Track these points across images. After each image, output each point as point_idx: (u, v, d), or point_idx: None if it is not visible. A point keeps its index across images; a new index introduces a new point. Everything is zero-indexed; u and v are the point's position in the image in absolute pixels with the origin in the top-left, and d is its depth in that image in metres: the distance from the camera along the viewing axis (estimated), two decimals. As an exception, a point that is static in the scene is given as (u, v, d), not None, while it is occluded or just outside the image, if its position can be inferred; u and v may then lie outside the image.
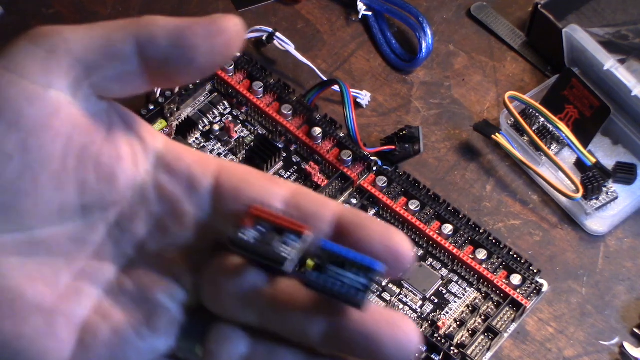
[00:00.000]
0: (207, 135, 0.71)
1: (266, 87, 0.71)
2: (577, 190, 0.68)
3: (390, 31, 0.78)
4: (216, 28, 0.34)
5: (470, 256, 0.66)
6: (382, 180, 0.68)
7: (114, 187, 0.35)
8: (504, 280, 0.65)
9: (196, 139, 0.70)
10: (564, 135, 0.70)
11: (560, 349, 0.65)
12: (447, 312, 0.65)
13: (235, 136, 0.71)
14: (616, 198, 0.71)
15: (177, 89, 0.71)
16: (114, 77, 0.34)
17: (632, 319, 0.67)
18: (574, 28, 0.72)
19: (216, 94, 0.73)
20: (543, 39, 0.77)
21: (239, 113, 0.72)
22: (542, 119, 0.72)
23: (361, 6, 0.79)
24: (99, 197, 0.35)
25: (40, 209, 0.34)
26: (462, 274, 0.66)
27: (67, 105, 0.34)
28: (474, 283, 0.66)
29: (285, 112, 0.70)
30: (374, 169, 0.69)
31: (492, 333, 0.63)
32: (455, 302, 0.65)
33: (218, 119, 0.72)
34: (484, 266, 0.65)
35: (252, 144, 0.70)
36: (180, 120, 0.70)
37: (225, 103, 0.72)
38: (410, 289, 0.66)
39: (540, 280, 0.66)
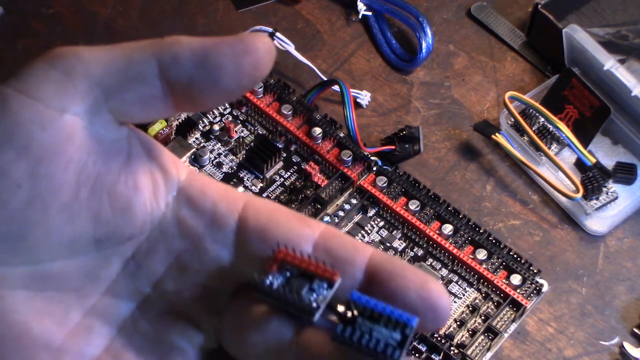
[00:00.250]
0: (207, 135, 0.71)
1: (266, 87, 0.71)
2: (577, 190, 0.68)
3: (390, 31, 0.78)
4: (244, 47, 0.32)
5: (470, 256, 0.66)
6: (382, 180, 0.68)
7: (130, 220, 0.33)
8: (504, 280, 0.65)
9: (196, 139, 0.70)
10: (564, 135, 0.70)
11: (560, 349, 0.65)
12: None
13: (235, 136, 0.71)
14: (616, 198, 0.71)
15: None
16: (135, 101, 0.32)
17: (632, 319, 0.67)
18: (574, 28, 0.72)
19: (216, 94, 0.73)
20: (543, 39, 0.77)
21: (239, 113, 0.72)
22: (542, 119, 0.72)
23: (361, 6, 0.79)
24: (113, 230, 0.33)
25: (50, 240, 0.32)
26: (462, 274, 0.66)
27: (83, 131, 0.31)
28: (474, 283, 0.66)
29: (285, 112, 0.70)
30: (374, 169, 0.69)
31: (492, 333, 0.63)
32: (455, 302, 0.65)
33: (218, 119, 0.72)
34: (484, 266, 0.65)
35: (252, 144, 0.70)
36: (180, 120, 0.70)
37: (226, 103, 0.72)
38: (410, 289, 0.65)
39: (540, 280, 0.66)
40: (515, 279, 0.65)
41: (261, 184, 0.69)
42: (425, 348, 0.63)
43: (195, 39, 0.32)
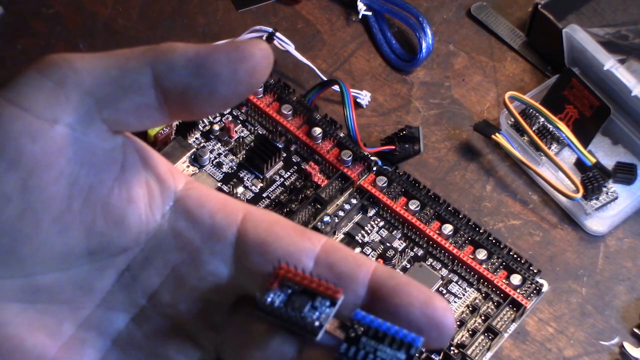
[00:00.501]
0: (207, 135, 0.71)
1: (266, 87, 0.71)
2: (577, 190, 0.68)
3: (390, 31, 0.78)
4: (240, 54, 0.31)
5: (470, 256, 0.66)
6: (382, 180, 0.68)
7: (125, 232, 0.32)
8: (504, 280, 0.65)
9: (196, 139, 0.70)
10: (564, 135, 0.70)
11: (560, 349, 0.65)
12: (453, 312, 0.65)
13: (235, 136, 0.71)
14: (616, 198, 0.71)
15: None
16: (129, 110, 0.31)
17: (632, 319, 0.67)
18: (574, 28, 0.72)
19: (216, 94, 0.73)
20: (543, 39, 0.77)
21: (239, 113, 0.72)
22: (542, 119, 0.72)
23: (361, 6, 0.79)
24: (107, 242, 0.32)
25: (43, 253, 0.31)
26: (462, 274, 0.66)
27: (75, 142, 0.31)
28: (474, 283, 0.66)
29: (285, 112, 0.70)
30: (374, 169, 0.69)
31: (492, 333, 0.63)
32: (455, 302, 0.65)
33: (218, 119, 0.72)
34: (484, 266, 0.65)
35: (252, 144, 0.70)
36: (180, 120, 0.70)
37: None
38: (410, 289, 0.65)
39: (540, 280, 0.66)
40: (515, 279, 0.65)
41: (261, 184, 0.69)
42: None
43: (191, 46, 0.32)
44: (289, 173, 0.70)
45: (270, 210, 0.67)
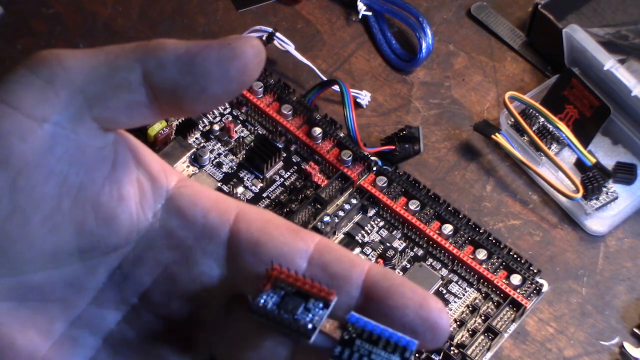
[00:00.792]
0: (207, 135, 0.71)
1: (266, 87, 0.71)
2: (577, 190, 0.68)
3: (390, 31, 0.78)
4: (230, 52, 0.31)
5: (470, 256, 0.66)
6: (382, 180, 0.68)
7: (116, 231, 0.32)
8: (504, 280, 0.65)
9: (196, 139, 0.70)
10: (564, 135, 0.70)
11: (560, 349, 0.65)
12: (447, 312, 0.65)
13: (235, 136, 0.71)
14: (616, 198, 0.71)
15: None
16: (119, 108, 0.31)
17: (632, 319, 0.67)
18: (574, 28, 0.72)
19: (216, 94, 0.72)
20: (543, 39, 0.77)
21: (239, 113, 0.72)
22: (542, 119, 0.72)
23: (361, 6, 0.79)
24: (98, 241, 0.32)
25: (33, 252, 0.31)
26: (462, 274, 0.66)
27: (64, 141, 0.30)
28: (474, 283, 0.66)
29: (285, 112, 0.70)
30: (374, 169, 0.69)
31: (492, 333, 0.63)
32: (455, 302, 0.65)
33: (218, 119, 0.72)
34: (484, 266, 0.65)
35: (252, 144, 0.70)
36: (180, 120, 0.70)
37: (226, 103, 0.72)
38: (410, 289, 0.65)
39: (540, 280, 0.66)
40: (515, 279, 0.65)
41: (261, 184, 0.69)
42: (425, 348, 0.63)
43: (181, 43, 0.31)
44: (289, 173, 0.70)
45: (270, 210, 0.67)
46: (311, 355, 0.31)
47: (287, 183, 0.69)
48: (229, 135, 0.71)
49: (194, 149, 0.69)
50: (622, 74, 0.70)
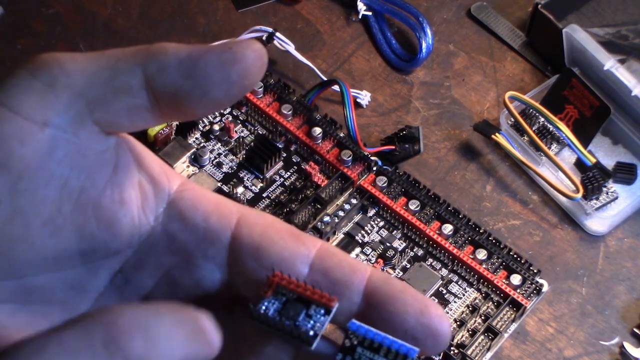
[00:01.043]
0: (207, 135, 0.71)
1: (266, 87, 0.71)
2: (577, 190, 0.68)
3: (390, 31, 0.78)
4: (232, 55, 0.30)
5: (470, 256, 0.66)
6: (382, 180, 0.68)
7: (117, 234, 0.32)
8: (504, 280, 0.65)
9: (196, 139, 0.70)
10: (564, 135, 0.70)
11: (560, 349, 0.65)
12: (447, 312, 0.65)
13: (235, 136, 0.71)
14: (616, 198, 0.71)
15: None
16: (120, 112, 0.31)
17: (632, 319, 0.67)
18: (574, 28, 0.72)
19: (216, 94, 0.72)
20: (543, 39, 0.77)
21: (239, 113, 0.72)
22: (542, 119, 0.72)
23: (361, 6, 0.79)
24: (99, 244, 0.32)
25: (34, 255, 0.31)
26: (462, 274, 0.66)
27: (65, 145, 0.30)
28: (474, 283, 0.66)
29: (285, 112, 0.70)
30: (374, 169, 0.69)
31: (492, 333, 0.63)
32: (455, 302, 0.65)
33: (218, 119, 0.72)
34: (484, 266, 0.65)
35: (252, 144, 0.70)
36: (172, 120, 0.70)
37: (230, 104, 0.72)
38: (410, 289, 0.65)
39: (540, 280, 0.66)
40: (515, 279, 0.65)
41: (261, 184, 0.69)
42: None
43: (183, 47, 0.31)
44: (289, 173, 0.70)
45: (270, 210, 0.67)
46: None
47: (287, 183, 0.69)
48: (229, 135, 0.71)
49: (194, 149, 0.69)
50: (622, 74, 0.70)
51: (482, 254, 0.66)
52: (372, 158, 0.69)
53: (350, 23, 0.80)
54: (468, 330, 0.64)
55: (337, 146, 0.70)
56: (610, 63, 0.70)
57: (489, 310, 0.65)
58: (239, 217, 0.33)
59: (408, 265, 0.66)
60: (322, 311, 0.30)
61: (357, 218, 0.68)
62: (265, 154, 0.69)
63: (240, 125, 0.71)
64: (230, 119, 0.72)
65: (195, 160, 0.69)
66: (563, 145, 0.72)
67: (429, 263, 0.67)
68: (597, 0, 0.79)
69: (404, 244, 0.67)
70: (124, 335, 0.26)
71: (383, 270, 0.66)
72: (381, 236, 0.67)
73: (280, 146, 0.70)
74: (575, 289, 0.68)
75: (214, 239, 0.32)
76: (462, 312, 0.64)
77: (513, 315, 0.64)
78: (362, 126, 0.73)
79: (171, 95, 0.31)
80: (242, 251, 0.32)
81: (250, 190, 0.69)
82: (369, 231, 0.68)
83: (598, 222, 0.70)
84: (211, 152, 0.70)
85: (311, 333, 0.30)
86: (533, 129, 0.72)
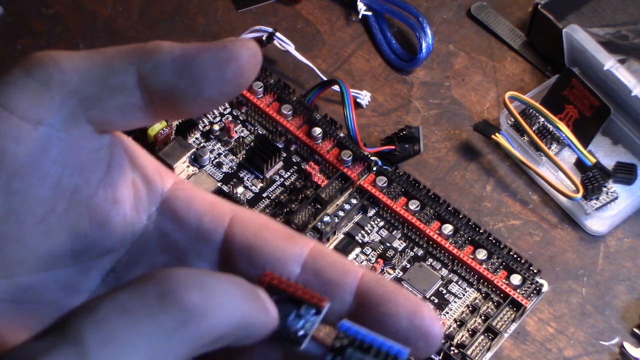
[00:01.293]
0: (207, 135, 0.71)
1: (266, 87, 0.71)
2: (577, 190, 0.68)
3: (390, 31, 0.78)
4: (226, 54, 0.30)
5: (470, 256, 0.66)
6: (382, 180, 0.68)
7: (110, 233, 0.32)
8: (504, 280, 0.65)
9: (196, 139, 0.70)
10: (564, 135, 0.70)
11: (560, 349, 0.65)
12: (447, 312, 0.65)
13: (235, 136, 0.71)
14: (616, 198, 0.71)
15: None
16: (114, 110, 0.31)
17: (632, 319, 0.67)
18: (574, 28, 0.72)
19: (216, 94, 0.72)
20: (543, 39, 0.77)
21: (239, 113, 0.72)
22: (542, 119, 0.72)
23: (361, 6, 0.79)
24: (92, 243, 0.32)
25: (27, 254, 0.31)
26: (462, 274, 0.66)
27: (59, 143, 0.30)
28: (474, 283, 0.66)
29: (285, 112, 0.70)
30: (374, 169, 0.69)
31: (492, 333, 0.63)
32: (455, 302, 0.65)
33: (218, 119, 0.72)
34: (484, 266, 0.65)
35: (252, 144, 0.70)
36: (180, 120, 0.70)
37: (226, 103, 0.72)
38: (410, 289, 0.66)
39: (540, 280, 0.66)
40: (515, 279, 0.65)
41: (261, 184, 0.69)
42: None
43: (177, 46, 0.31)
44: (289, 173, 0.70)
45: (270, 210, 0.67)
46: None
47: (287, 183, 0.69)
48: (229, 135, 0.71)
49: (194, 149, 0.69)
50: (622, 74, 0.70)
51: (482, 254, 0.66)
52: (372, 158, 0.69)
53: (350, 23, 0.80)
54: (468, 330, 0.64)
55: (337, 146, 0.70)
56: (610, 63, 0.70)
57: (489, 310, 0.65)
58: (232, 217, 0.33)
59: (408, 265, 0.66)
60: (313, 311, 0.30)
61: (357, 218, 0.68)
62: (265, 154, 0.69)
63: (240, 125, 0.71)
64: (230, 119, 0.72)
65: (195, 160, 0.69)
66: (563, 145, 0.72)
67: (429, 263, 0.67)
68: (597, 0, 0.79)
69: (404, 244, 0.67)
70: (179, 287, 0.26)
71: (383, 270, 0.66)
72: (381, 236, 0.67)
73: (280, 146, 0.70)
74: (575, 289, 0.68)
75: (207, 238, 0.32)
76: (462, 312, 0.64)
77: (513, 315, 0.64)
78: (362, 126, 0.73)
79: (165, 94, 0.31)
80: (234, 250, 0.32)
81: (250, 190, 0.69)
82: (369, 231, 0.68)
83: (598, 222, 0.70)
84: (211, 152, 0.70)
85: (301, 333, 0.30)
86: (533, 129, 0.72)
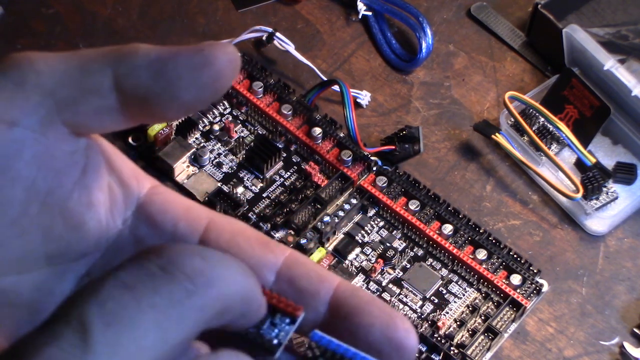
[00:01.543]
0: (207, 135, 0.71)
1: (266, 87, 0.71)
2: (577, 190, 0.68)
3: (390, 31, 0.78)
4: (202, 58, 0.30)
5: (470, 256, 0.66)
6: (382, 180, 0.68)
7: (84, 237, 0.31)
8: (504, 280, 0.65)
9: (196, 139, 0.70)
10: (564, 135, 0.70)
11: (560, 349, 0.65)
12: (447, 312, 0.65)
13: (235, 136, 0.71)
14: (616, 198, 0.71)
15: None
16: (89, 113, 0.30)
17: (632, 319, 0.67)
18: (574, 28, 0.72)
19: (216, 94, 0.72)
20: (543, 39, 0.77)
21: (239, 113, 0.72)
22: (542, 119, 0.72)
23: (361, 6, 0.79)
24: (66, 247, 0.31)
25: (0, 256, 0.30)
26: (462, 274, 0.66)
27: (33, 145, 0.30)
28: (474, 283, 0.66)
29: (285, 112, 0.70)
30: (374, 169, 0.69)
31: (492, 333, 0.63)
32: (455, 302, 0.65)
33: (218, 119, 0.72)
34: (484, 266, 0.65)
35: (252, 144, 0.70)
36: (180, 120, 0.70)
37: (225, 103, 0.72)
38: (410, 289, 0.66)
39: (540, 280, 0.66)
40: (515, 279, 0.65)
41: (261, 184, 0.69)
42: (425, 348, 0.63)
43: (154, 48, 0.30)
44: (289, 173, 0.70)
45: (270, 210, 0.67)
46: None
47: (287, 183, 0.69)
48: (229, 135, 0.71)
49: (194, 149, 0.69)
50: (622, 74, 0.70)
51: (482, 254, 0.66)
52: (372, 158, 0.69)
53: (350, 23, 0.80)
54: (468, 330, 0.64)
55: (337, 146, 0.70)
56: (610, 63, 0.70)
57: (489, 310, 0.65)
58: (208, 223, 0.32)
59: (408, 265, 0.66)
60: (288, 320, 0.29)
61: (357, 218, 0.68)
62: (265, 154, 0.69)
63: (240, 125, 0.71)
64: (230, 119, 0.72)
65: (195, 160, 0.69)
66: (563, 145, 0.72)
67: (429, 263, 0.66)
68: (597, 0, 0.79)
69: (404, 244, 0.67)
70: (181, 258, 0.26)
71: (383, 270, 0.66)
72: (381, 236, 0.67)
73: (280, 146, 0.70)
74: (575, 289, 0.68)
75: None
76: (462, 312, 0.64)
77: (513, 315, 0.64)
78: (362, 126, 0.73)
79: (141, 97, 0.30)
80: None
81: (250, 190, 0.69)
82: (369, 231, 0.68)
83: (598, 222, 0.70)
84: (211, 152, 0.70)
85: (275, 342, 0.29)
86: (533, 129, 0.72)
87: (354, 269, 0.66)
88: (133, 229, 0.32)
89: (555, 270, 0.68)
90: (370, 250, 0.67)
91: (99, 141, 0.32)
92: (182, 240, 0.32)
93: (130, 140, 0.69)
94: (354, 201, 0.68)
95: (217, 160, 0.70)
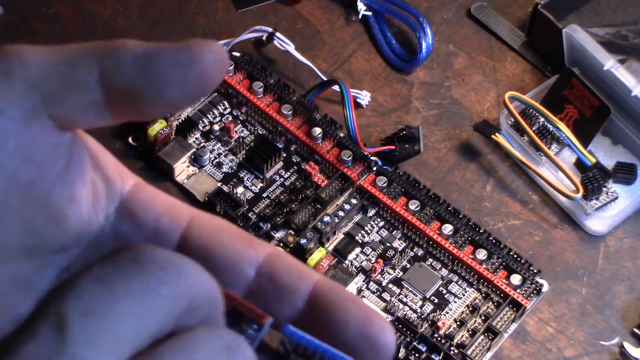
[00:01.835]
0: (207, 135, 0.71)
1: (266, 87, 0.71)
2: (577, 190, 0.68)
3: (390, 31, 0.78)
4: (189, 56, 0.29)
5: (470, 256, 0.66)
6: (382, 180, 0.68)
7: (64, 231, 0.31)
8: (504, 280, 0.65)
9: (196, 139, 0.70)
10: (564, 135, 0.70)
11: (560, 349, 0.65)
12: (447, 312, 0.65)
13: (235, 136, 0.71)
14: (616, 198, 0.71)
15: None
16: (74, 107, 0.30)
17: (632, 319, 0.67)
18: (574, 28, 0.72)
19: (216, 94, 0.73)
20: (543, 39, 0.77)
21: (239, 113, 0.72)
22: (542, 119, 0.72)
23: (361, 6, 0.79)
24: (45, 240, 0.31)
25: None
26: (462, 274, 0.66)
27: (17, 136, 0.29)
28: (474, 283, 0.66)
29: (285, 112, 0.70)
30: (374, 169, 0.69)
31: (492, 333, 0.63)
32: (455, 302, 0.65)
33: (218, 119, 0.72)
34: (484, 266, 0.65)
35: (252, 144, 0.70)
36: (180, 120, 0.70)
37: (225, 103, 0.72)
38: (410, 289, 0.66)
39: (540, 280, 0.66)
40: (515, 279, 0.65)
41: (261, 184, 0.69)
42: (425, 348, 0.63)
43: (141, 44, 0.30)
44: (289, 173, 0.70)
45: (270, 210, 0.67)
46: None
47: (287, 183, 0.69)
48: (229, 135, 0.71)
49: (194, 149, 0.69)
50: (622, 74, 0.70)
51: (482, 254, 0.66)
52: (372, 158, 0.69)
53: (350, 23, 0.80)
54: (468, 330, 0.64)
55: (337, 146, 0.70)
56: (610, 63, 0.70)
57: (489, 310, 0.65)
58: (190, 219, 0.32)
59: (408, 265, 0.66)
60: (255, 327, 0.29)
61: (357, 218, 0.68)
62: (265, 154, 0.69)
63: (240, 125, 0.71)
64: (230, 119, 0.72)
65: (195, 160, 0.69)
66: (563, 145, 0.72)
67: (429, 263, 0.67)
68: (597, 0, 0.79)
69: (404, 244, 0.67)
70: (150, 249, 0.27)
71: (383, 270, 0.66)
72: (381, 236, 0.67)
73: (280, 146, 0.70)
74: (575, 289, 0.68)
75: (163, 240, 0.32)
76: (462, 312, 0.64)
77: (513, 315, 0.64)
78: (362, 126, 0.73)
79: (126, 93, 0.30)
80: (190, 252, 0.31)
81: (250, 190, 0.69)
82: (369, 231, 0.68)
83: (598, 222, 0.70)
84: (211, 152, 0.70)
85: None
86: (533, 129, 0.72)
87: (354, 269, 0.66)
88: (115, 224, 0.32)
89: (555, 270, 0.68)
90: (370, 250, 0.67)
91: (84, 137, 0.32)
92: (164, 236, 0.32)
93: (130, 140, 0.69)
94: (354, 201, 0.68)
95: (217, 160, 0.70)
